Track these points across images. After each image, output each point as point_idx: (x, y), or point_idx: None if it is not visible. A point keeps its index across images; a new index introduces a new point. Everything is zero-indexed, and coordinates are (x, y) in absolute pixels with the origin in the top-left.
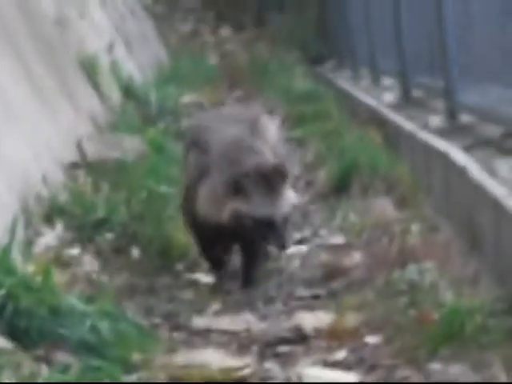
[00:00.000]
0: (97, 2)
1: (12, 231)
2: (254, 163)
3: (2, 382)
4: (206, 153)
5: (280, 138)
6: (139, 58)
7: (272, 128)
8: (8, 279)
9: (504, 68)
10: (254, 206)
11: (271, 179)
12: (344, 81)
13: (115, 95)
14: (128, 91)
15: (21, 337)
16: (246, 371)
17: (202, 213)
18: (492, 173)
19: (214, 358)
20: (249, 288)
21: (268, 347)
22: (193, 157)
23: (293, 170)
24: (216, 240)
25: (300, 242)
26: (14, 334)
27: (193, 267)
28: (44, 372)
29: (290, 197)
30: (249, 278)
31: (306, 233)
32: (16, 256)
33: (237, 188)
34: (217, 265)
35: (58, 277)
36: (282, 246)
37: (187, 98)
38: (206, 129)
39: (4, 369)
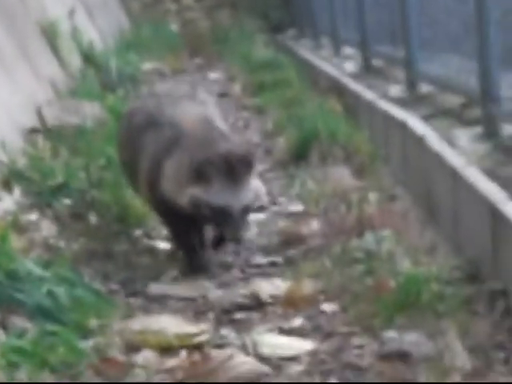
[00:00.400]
0: None
1: None
2: (220, 150)
3: None
4: (171, 129)
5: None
6: (100, 24)
7: (211, 101)
8: None
9: (463, 39)
10: (213, 195)
11: (236, 168)
12: (305, 50)
13: (75, 61)
14: (88, 58)
15: None
16: (203, 337)
17: (166, 192)
18: (451, 142)
19: (171, 324)
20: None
21: (224, 314)
22: (153, 136)
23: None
24: (182, 218)
25: (258, 209)
26: None
27: (150, 233)
28: (0, 336)
29: (255, 187)
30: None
31: (265, 200)
32: None
33: (199, 174)
34: (185, 242)
35: (16, 242)
36: (236, 239)
37: (148, 65)
38: (160, 108)
39: None
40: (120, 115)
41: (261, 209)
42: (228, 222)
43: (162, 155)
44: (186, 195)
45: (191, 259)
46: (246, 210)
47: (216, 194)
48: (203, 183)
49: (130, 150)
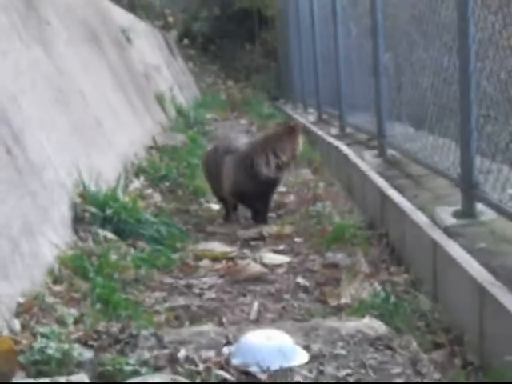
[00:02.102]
0: (165, 67)
1: (118, 180)
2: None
3: None
4: (237, 152)
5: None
6: (185, 94)
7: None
8: (115, 204)
9: (369, 104)
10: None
11: None
12: (289, 109)
13: (173, 113)
14: (179, 111)
15: (120, 233)
16: (234, 253)
17: (263, 172)
18: (361, 158)
19: (218, 247)
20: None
21: (245, 242)
22: (231, 157)
23: None
24: (258, 196)
25: None
26: (117, 232)
27: (209, 200)
28: (132, 252)
29: None
30: (265, 217)
31: None
32: (119, 192)
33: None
34: (256, 212)
35: (141, 204)
36: None
37: (209, 115)
38: (229, 145)
39: (111, 250)
40: (195, 141)
41: None
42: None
43: (242, 162)
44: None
45: (256, 216)
46: None
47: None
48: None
49: (216, 168)
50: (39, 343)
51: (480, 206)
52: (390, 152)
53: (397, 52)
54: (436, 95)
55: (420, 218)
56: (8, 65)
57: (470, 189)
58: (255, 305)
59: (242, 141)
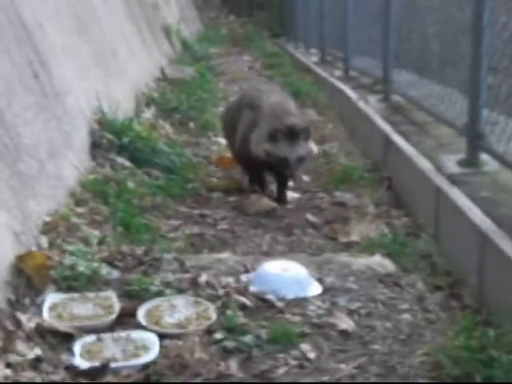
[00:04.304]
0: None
1: (135, 110)
2: (288, 123)
3: None
4: (258, 111)
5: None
6: (190, 28)
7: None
8: (131, 133)
9: (371, 49)
10: (279, 150)
11: (296, 134)
12: (291, 48)
13: (178, 46)
14: (184, 44)
15: (137, 161)
16: (245, 187)
17: (253, 150)
18: (366, 102)
19: (229, 180)
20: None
21: None
22: (247, 114)
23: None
24: (260, 170)
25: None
26: (133, 160)
27: (217, 135)
28: (146, 179)
29: (309, 148)
30: (282, 196)
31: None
32: (134, 123)
33: (271, 136)
34: (259, 185)
35: (153, 134)
36: (292, 178)
37: (212, 50)
38: (255, 96)
39: (128, 177)
40: (203, 75)
41: None
42: (287, 168)
43: (250, 128)
44: (263, 150)
45: (254, 184)
46: (300, 160)
47: (280, 150)
48: (273, 142)
49: (233, 122)
50: (69, 260)
51: (484, 157)
52: (395, 98)
53: None
54: (445, 45)
55: (424, 164)
56: None
57: (475, 139)
58: (267, 237)
59: (263, 99)
